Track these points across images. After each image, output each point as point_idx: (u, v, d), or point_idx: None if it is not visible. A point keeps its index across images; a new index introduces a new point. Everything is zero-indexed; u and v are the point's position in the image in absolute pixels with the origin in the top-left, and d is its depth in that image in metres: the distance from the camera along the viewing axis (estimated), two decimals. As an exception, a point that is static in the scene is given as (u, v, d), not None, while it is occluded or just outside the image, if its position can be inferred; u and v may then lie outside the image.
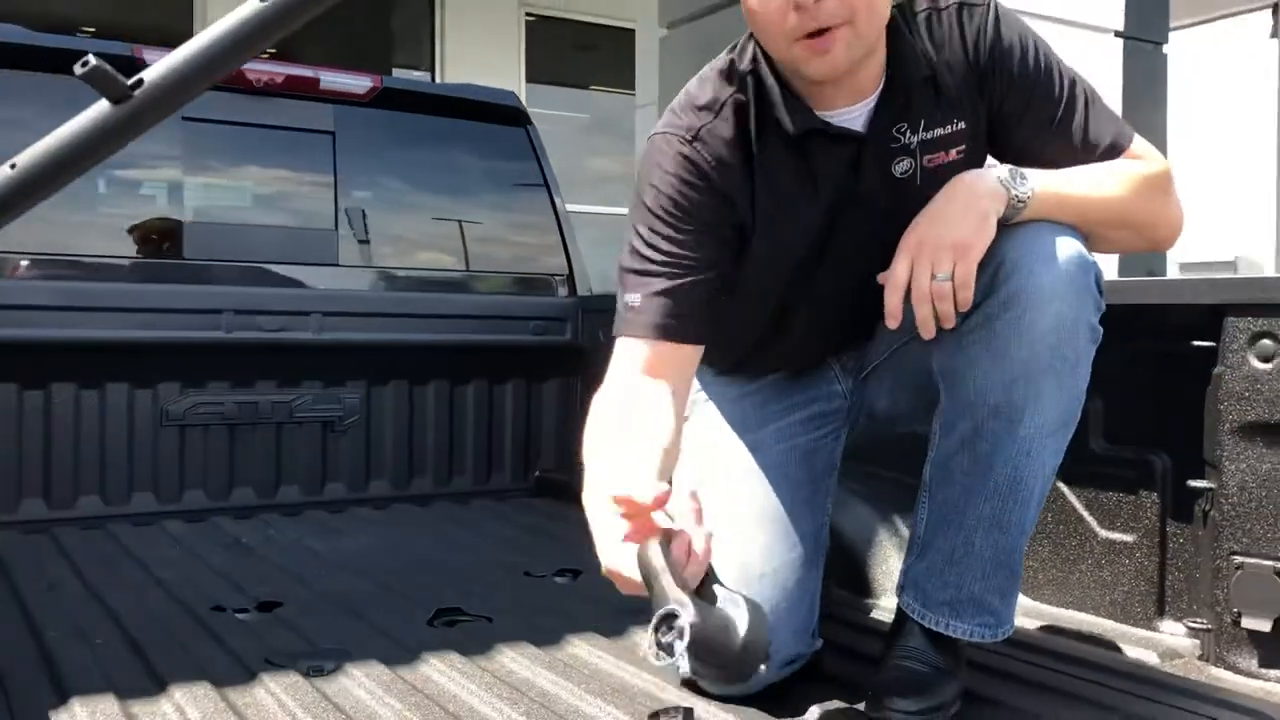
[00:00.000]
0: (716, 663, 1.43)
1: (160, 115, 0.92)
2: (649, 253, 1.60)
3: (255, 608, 2.14)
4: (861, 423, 1.87)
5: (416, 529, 2.96)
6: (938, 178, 1.57)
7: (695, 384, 1.79)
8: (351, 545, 2.74)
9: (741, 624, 1.32)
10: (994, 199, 1.49)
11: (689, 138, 1.60)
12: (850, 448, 1.89)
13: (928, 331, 1.50)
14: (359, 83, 3.31)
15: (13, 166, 0.89)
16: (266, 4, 0.92)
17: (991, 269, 1.49)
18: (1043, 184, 1.52)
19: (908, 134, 1.59)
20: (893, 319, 1.51)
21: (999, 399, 1.52)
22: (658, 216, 1.60)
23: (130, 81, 0.90)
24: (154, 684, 1.67)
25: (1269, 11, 9.01)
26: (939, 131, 1.60)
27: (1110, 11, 5.18)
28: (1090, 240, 1.55)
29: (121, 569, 2.43)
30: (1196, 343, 1.87)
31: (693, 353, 1.64)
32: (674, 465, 1.55)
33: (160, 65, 0.92)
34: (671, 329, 1.59)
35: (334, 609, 2.13)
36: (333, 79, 3.24)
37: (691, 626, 1.21)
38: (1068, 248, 1.49)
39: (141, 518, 2.96)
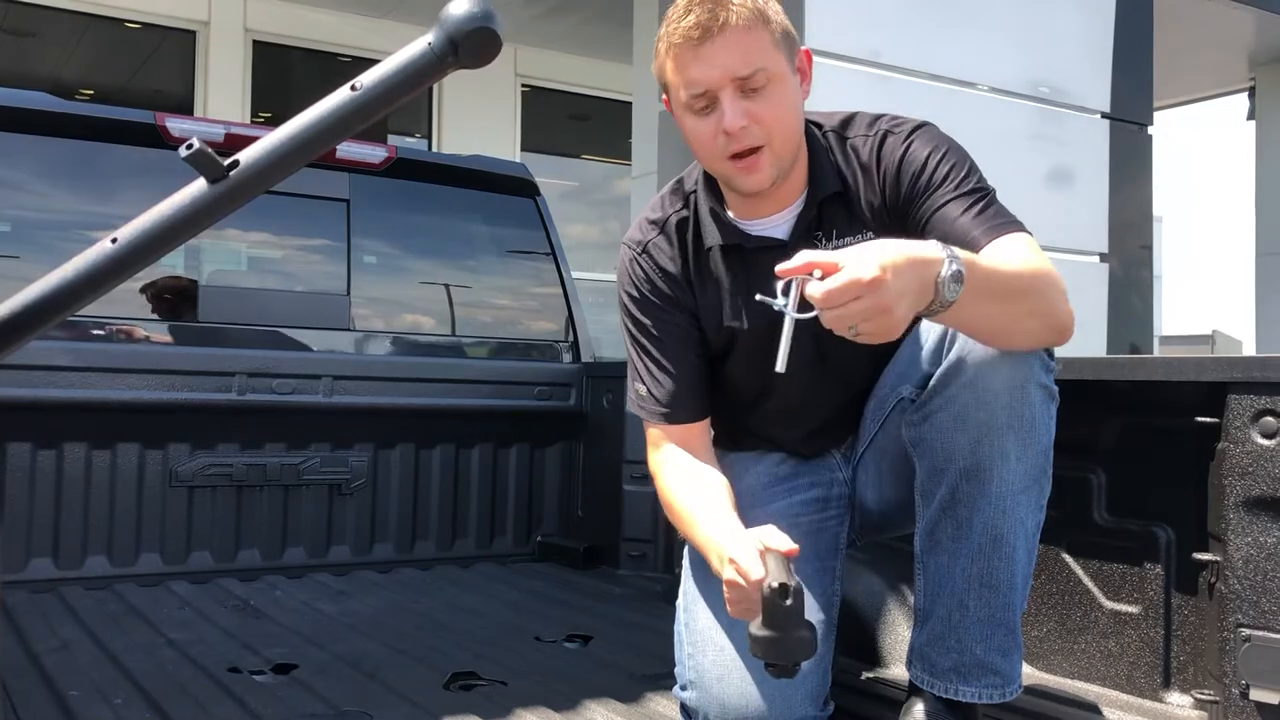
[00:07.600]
0: (781, 627, 1.46)
1: (251, 194, 0.97)
2: (631, 347, 1.85)
3: (271, 669, 2.15)
4: (858, 523, 1.94)
5: (422, 592, 2.97)
6: None
7: None
8: (360, 608, 2.75)
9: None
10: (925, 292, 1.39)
11: (639, 251, 1.84)
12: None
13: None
14: (374, 152, 3.38)
15: (114, 241, 0.94)
16: (355, 93, 0.98)
17: (937, 337, 1.61)
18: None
19: (822, 241, 1.74)
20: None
21: (967, 462, 1.60)
22: (628, 315, 1.86)
23: (227, 163, 0.96)
24: (180, 745, 1.68)
25: (1246, 95, 9.26)
26: (848, 240, 1.72)
27: (1097, 94, 5.35)
28: (1005, 335, 1.54)
29: (132, 629, 2.44)
30: (1199, 419, 1.92)
31: (701, 429, 1.84)
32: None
33: (254, 149, 0.97)
34: (672, 415, 1.81)
35: (350, 671, 2.14)
36: (349, 148, 3.31)
37: (798, 587, 1.43)
38: None
39: (148, 578, 2.96)
